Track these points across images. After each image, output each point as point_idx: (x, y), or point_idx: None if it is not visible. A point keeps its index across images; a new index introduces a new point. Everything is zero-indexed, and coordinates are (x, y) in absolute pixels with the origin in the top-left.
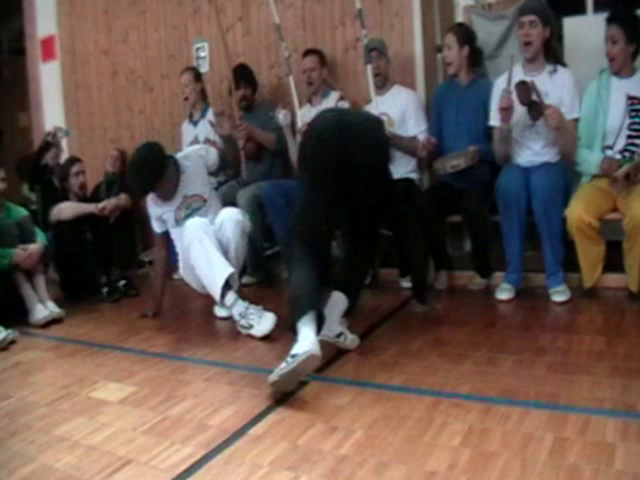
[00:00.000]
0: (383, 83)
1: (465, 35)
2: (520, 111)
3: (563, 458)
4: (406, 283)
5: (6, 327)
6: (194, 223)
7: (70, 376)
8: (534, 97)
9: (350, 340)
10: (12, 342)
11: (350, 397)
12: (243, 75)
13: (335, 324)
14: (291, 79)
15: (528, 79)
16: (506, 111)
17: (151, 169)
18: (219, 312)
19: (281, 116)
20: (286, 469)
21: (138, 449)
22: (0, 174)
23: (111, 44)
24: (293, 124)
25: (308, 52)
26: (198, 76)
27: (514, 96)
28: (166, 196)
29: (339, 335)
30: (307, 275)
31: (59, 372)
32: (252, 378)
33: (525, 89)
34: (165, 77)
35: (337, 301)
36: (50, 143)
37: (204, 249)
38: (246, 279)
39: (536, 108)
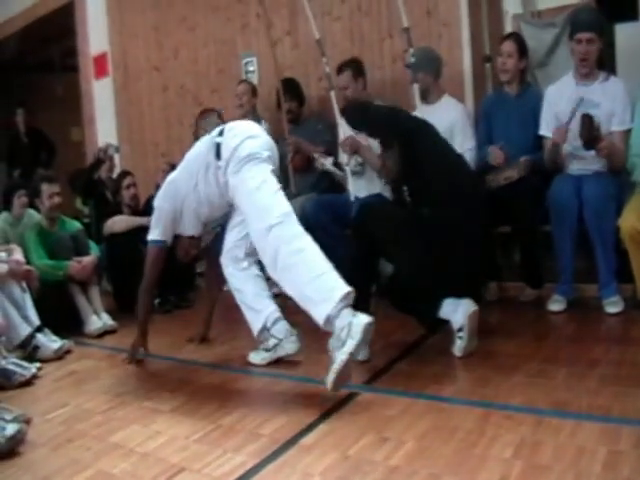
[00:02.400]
0: (425, 95)
1: (524, 47)
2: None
3: (617, 471)
4: None
5: (62, 337)
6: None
7: (124, 385)
8: (595, 132)
9: None
10: (67, 351)
11: (401, 408)
12: (288, 88)
13: None
14: (332, 95)
15: (591, 113)
16: (557, 144)
17: None
18: (253, 359)
19: (326, 165)
20: (337, 479)
21: (191, 457)
22: (55, 189)
23: (161, 60)
24: (336, 164)
25: (341, 68)
26: (254, 91)
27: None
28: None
29: None
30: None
31: (113, 381)
32: (302, 388)
33: (589, 126)
34: (215, 92)
35: None
36: (101, 159)
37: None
38: None
39: (593, 143)
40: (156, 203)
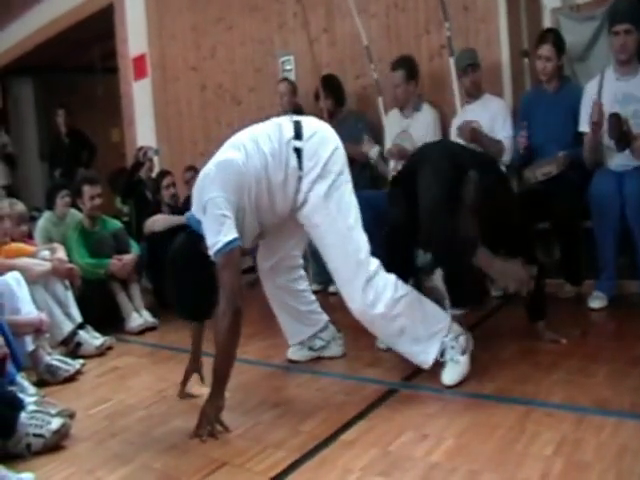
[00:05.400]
0: (471, 92)
1: (562, 44)
2: None
3: None
4: (495, 292)
5: (103, 334)
6: None
7: (165, 381)
8: (624, 129)
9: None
10: (109, 348)
11: (440, 405)
12: (325, 85)
13: None
14: (380, 101)
15: (620, 112)
16: (597, 124)
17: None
18: (294, 355)
19: (371, 153)
20: (377, 475)
21: (232, 452)
22: (97, 190)
23: (199, 60)
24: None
25: (395, 66)
26: (295, 90)
27: (604, 107)
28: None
29: None
30: None
31: (154, 377)
32: (342, 385)
33: (617, 123)
34: (252, 90)
35: None
36: (141, 162)
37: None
38: (334, 288)
39: (625, 141)
40: (212, 195)
